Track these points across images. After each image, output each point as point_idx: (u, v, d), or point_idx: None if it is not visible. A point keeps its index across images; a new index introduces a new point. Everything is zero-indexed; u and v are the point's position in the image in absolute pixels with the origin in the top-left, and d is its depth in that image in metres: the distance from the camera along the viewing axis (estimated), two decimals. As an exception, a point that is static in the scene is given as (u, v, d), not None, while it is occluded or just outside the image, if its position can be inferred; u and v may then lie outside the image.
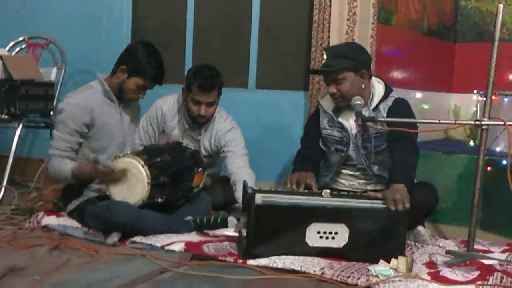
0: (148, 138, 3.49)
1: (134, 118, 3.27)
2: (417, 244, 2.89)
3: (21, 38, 4.39)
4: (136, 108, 3.30)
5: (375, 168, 3.05)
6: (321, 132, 3.14)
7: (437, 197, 2.97)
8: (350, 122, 3.06)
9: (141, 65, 2.99)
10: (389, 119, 2.81)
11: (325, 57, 2.96)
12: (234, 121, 3.51)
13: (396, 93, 3.10)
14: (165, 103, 3.49)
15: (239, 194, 3.07)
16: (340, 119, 3.07)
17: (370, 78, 3.04)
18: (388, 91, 3.05)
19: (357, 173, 3.12)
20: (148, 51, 3.03)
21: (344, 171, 3.14)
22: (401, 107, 3.01)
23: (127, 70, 3.01)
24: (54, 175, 3.03)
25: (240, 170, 3.29)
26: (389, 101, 3.02)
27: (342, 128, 3.06)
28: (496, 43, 2.59)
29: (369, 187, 3.08)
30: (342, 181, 3.15)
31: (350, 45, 3.25)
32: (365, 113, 2.95)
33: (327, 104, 3.13)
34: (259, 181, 3.61)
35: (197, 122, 3.38)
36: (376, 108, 3.01)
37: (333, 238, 2.51)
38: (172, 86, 3.66)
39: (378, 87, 3.06)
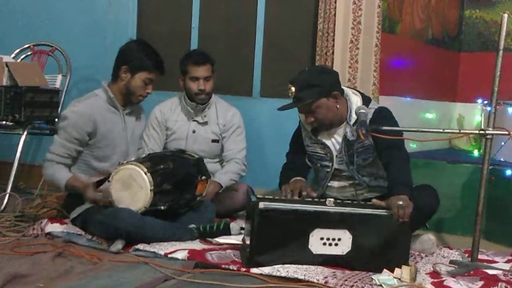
0: (154, 142, 3.55)
1: (138, 126, 3.28)
2: (421, 254, 2.88)
3: (26, 45, 4.39)
4: (140, 116, 3.30)
5: (367, 179, 3.01)
6: (305, 149, 3.10)
7: (438, 199, 2.90)
8: (331, 139, 2.99)
9: (141, 59, 3.05)
10: (393, 128, 2.75)
11: (292, 89, 2.85)
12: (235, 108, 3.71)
13: (375, 103, 2.99)
14: (162, 105, 3.66)
15: (217, 175, 3.48)
16: (320, 137, 3.01)
17: (343, 93, 2.94)
18: (366, 102, 2.93)
19: (348, 184, 3.06)
20: (141, 44, 3.14)
21: (334, 183, 3.07)
22: (382, 117, 2.89)
23: (129, 69, 3.04)
24: (47, 180, 3.10)
25: (232, 161, 3.57)
26: (369, 114, 2.85)
27: (324, 145, 3.01)
28: (501, 52, 2.59)
29: (362, 197, 3.02)
30: (334, 194, 3.05)
31: (313, 71, 3.05)
32: (346, 129, 2.91)
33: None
34: (261, 188, 3.61)
35: (198, 101, 3.52)
36: (356, 122, 2.82)
37: (336, 245, 2.52)
38: (176, 93, 3.68)
39: (355, 100, 2.94)
